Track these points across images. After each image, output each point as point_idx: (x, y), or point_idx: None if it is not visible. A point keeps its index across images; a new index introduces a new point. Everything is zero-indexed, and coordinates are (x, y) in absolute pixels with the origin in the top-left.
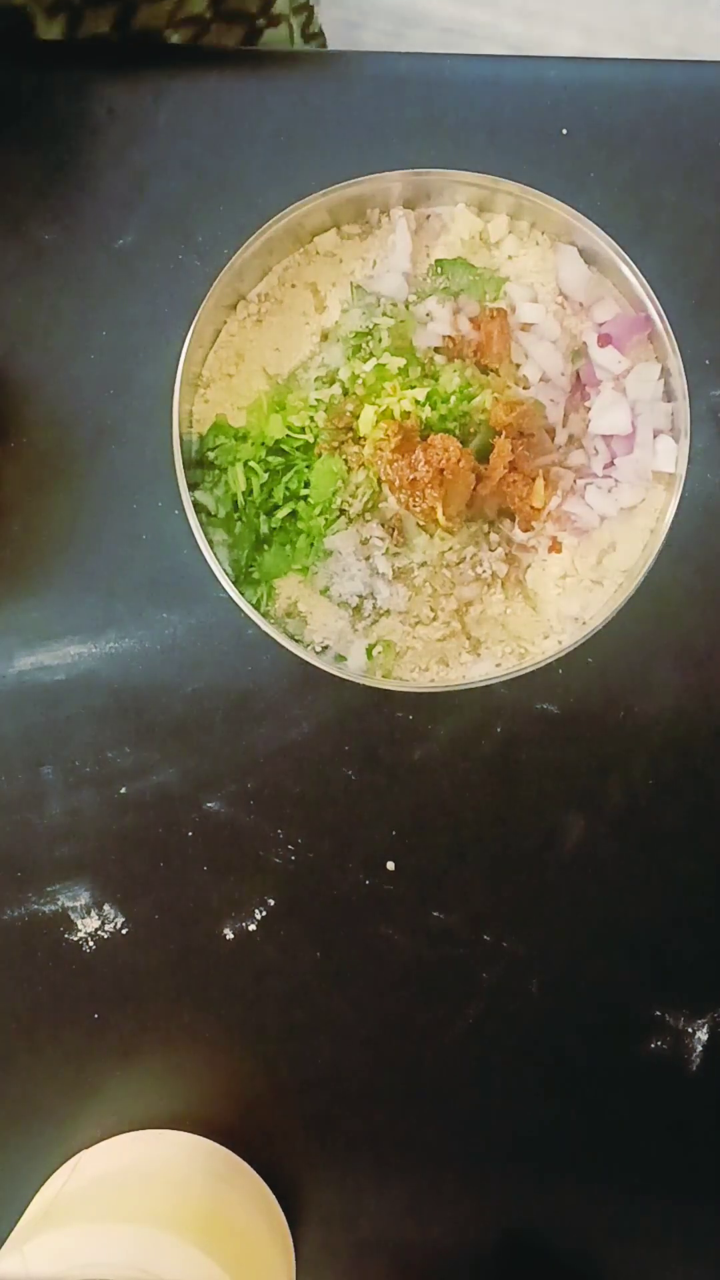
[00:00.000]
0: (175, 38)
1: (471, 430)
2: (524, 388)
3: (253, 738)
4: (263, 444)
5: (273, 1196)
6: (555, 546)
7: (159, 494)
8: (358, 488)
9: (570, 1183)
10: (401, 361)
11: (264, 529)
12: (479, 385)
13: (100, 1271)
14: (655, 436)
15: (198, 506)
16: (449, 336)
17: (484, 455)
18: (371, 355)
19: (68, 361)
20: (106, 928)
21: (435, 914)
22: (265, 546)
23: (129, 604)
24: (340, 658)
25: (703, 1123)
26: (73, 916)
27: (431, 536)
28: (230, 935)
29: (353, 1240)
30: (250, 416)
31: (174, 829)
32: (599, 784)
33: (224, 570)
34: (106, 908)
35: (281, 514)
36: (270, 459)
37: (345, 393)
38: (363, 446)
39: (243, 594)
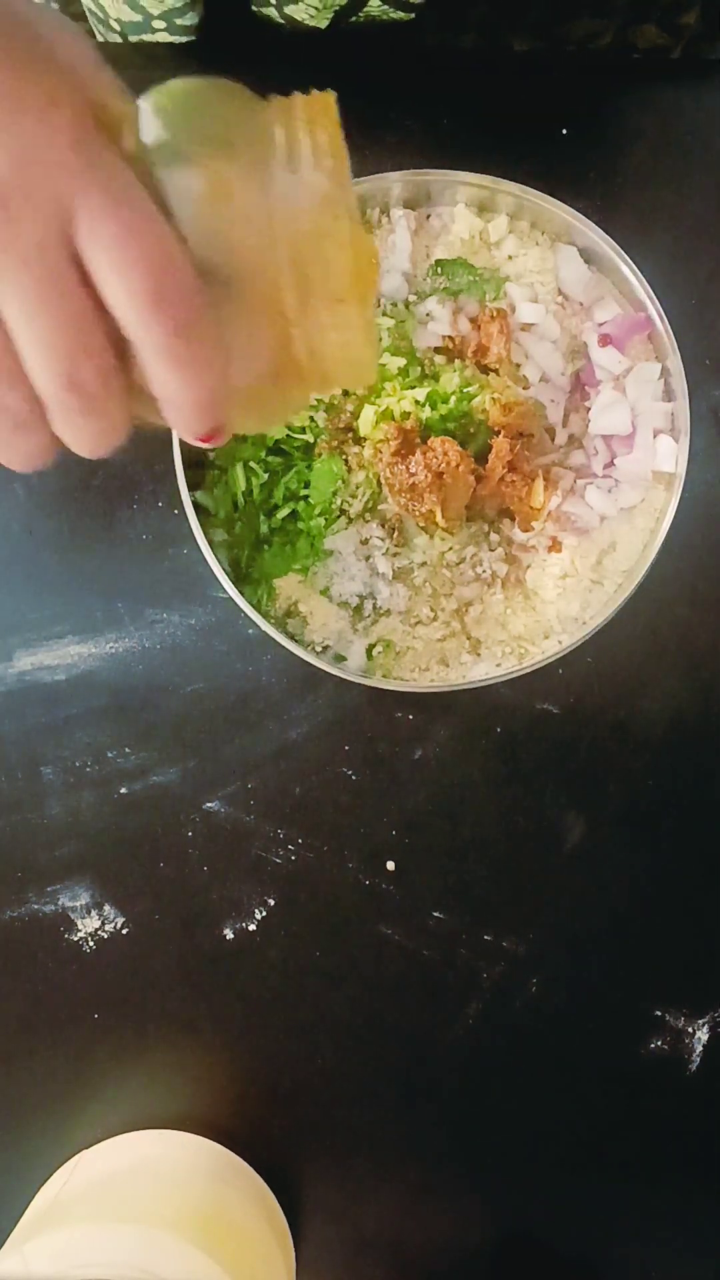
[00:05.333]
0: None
1: (471, 431)
2: (524, 388)
3: (253, 738)
4: (263, 444)
5: (273, 1196)
6: (555, 546)
7: (159, 494)
8: (358, 488)
9: (570, 1183)
10: (401, 361)
11: (264, 529)
12: (479, 385)
13: (100, 1271)
14: (655, 436)
15: (198, 506)
16: (449, 336)
17: (484, 456)
18: None
19: None
20: (106, 928)
21: (435, 914)
22: (265, 546)
23: (129, 604)
24: (340, 658)
25: (703, 1123)
26: (73, 916)
27: (431, 537)
28: (230, 935)
29: (353, 1239)
30: None
31: (174, 829)
32: (599, 784)
33: (224, 570)
34: (106, 908)
35: (281, 514)
36: (270, 459)
37: (345, 393)
38: (363, 447)
39: (243, 594)
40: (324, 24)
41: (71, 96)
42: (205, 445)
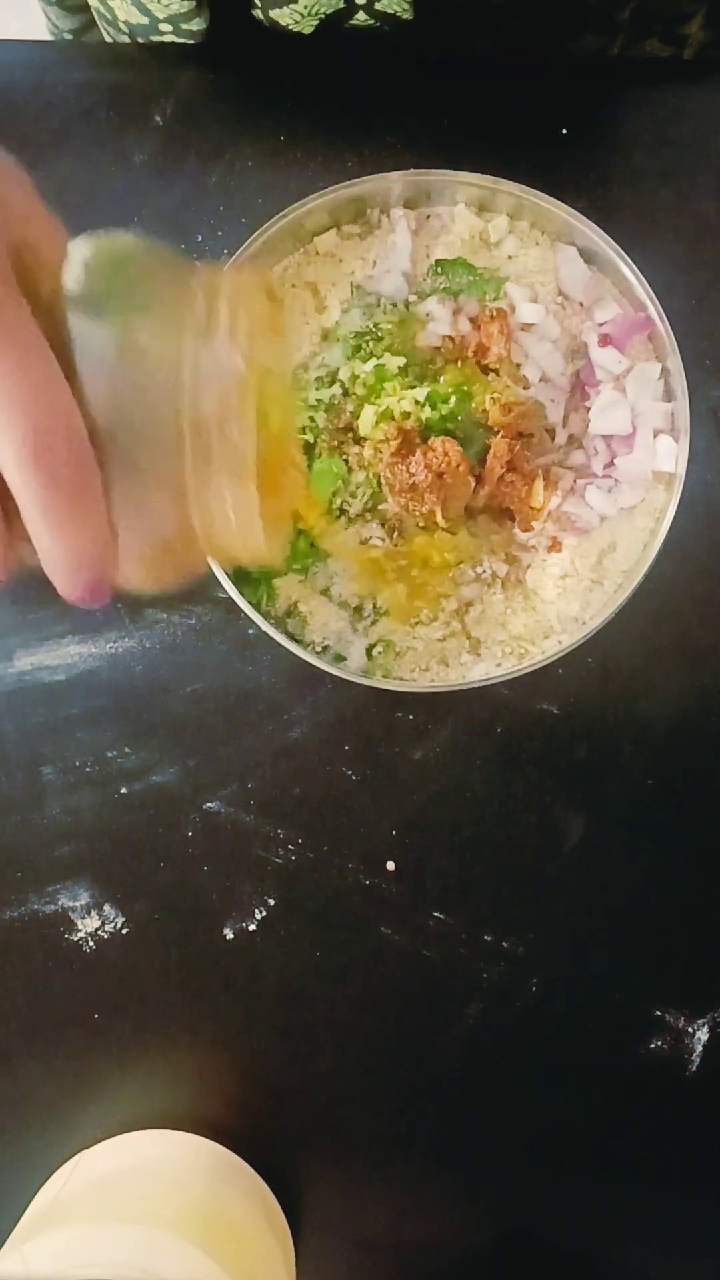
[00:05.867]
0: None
1: (471, 431)
2: (524, 388)
3: (253, 738)
4: None
5: (273, 1196)
6: (555, 546)
7: None
8: (358, 488)
9: (570, 1183)
10: (401, 361)
11: None
12: (479, 385)
13: (100, 1271)
14: (655, 436)
15: None
16: (449, 336)
17: (484, 456)
18: (371, 355)
19: None
20: (106, 928)
21: (435, 914)
22: None
23: (129, 604)
24: (340, 658)
25: (703, 1123)
26: (73, 916)
27: (432, 536)
28: (230, 935)
29: (353, 1239)
30: None
31: (174, 829)
32: (599, 784)
33: (224, 570)
34: (106, 908)
35: None
36: None
37: (345, 393)
38: (363, 447)
39: (243, 594)
40: (308, 30)
41: None
42: (85, 604)
